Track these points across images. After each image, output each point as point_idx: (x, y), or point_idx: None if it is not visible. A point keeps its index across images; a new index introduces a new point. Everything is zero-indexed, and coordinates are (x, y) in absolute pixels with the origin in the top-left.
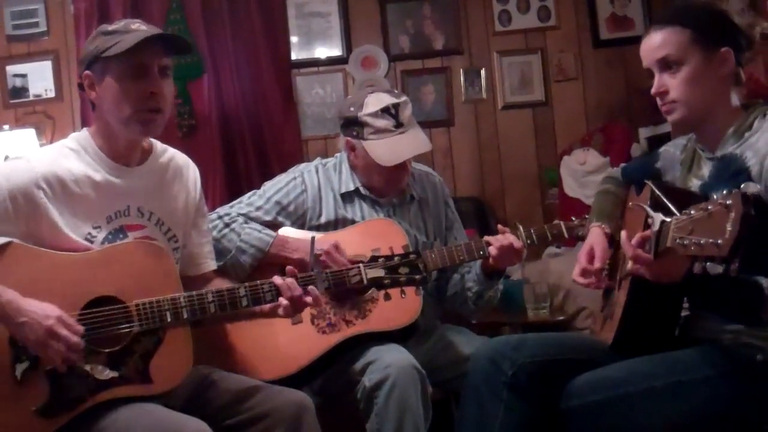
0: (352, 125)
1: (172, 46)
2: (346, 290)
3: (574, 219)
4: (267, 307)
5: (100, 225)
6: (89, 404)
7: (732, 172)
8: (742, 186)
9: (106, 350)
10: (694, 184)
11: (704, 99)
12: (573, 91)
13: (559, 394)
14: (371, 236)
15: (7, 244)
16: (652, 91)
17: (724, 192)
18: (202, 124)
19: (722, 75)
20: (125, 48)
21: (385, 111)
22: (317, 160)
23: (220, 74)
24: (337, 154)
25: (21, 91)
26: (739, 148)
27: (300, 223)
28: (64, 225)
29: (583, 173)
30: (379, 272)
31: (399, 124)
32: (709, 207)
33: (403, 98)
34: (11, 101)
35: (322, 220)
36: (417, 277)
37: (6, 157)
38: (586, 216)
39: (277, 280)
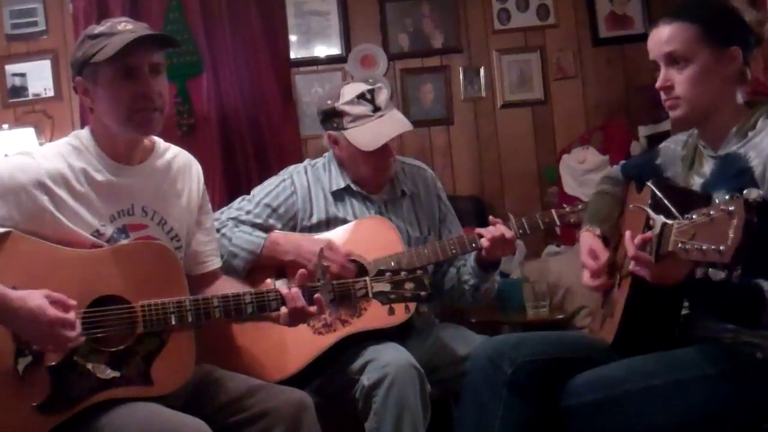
0: (332, 117)
1: (160, 41)
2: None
3: (566, 206)
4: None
5: (105, 223)
6: (89, 403)
7: (735, 171)
8: (744, 192)
9: (109, 350)
10: (696, 181)
11: (709, 97)
12: (572, 89)
13: (558, 393)
14: (363, 235)
15: (7, 234)
16: (657, 84)
17: (726, 197)
18: (202, 123)
19: (729, 74)
20: (111, 53)
21: (361, 97)
22: (306, 161)
23: (219, 73)
24: (326, 154)
25: (20, 91)
26: (742, 148)
27: (291, 225)
28: (69, 221)
29: (583, 172)
30: (385, 287)
31: (376, 108)
32: (711, 212)
33: (378, 84)
34: (10, 100)
35: (314, 220)
36: (422, 293)
37: (5, 156)
38: (578, 204)
39: (283, 289)
